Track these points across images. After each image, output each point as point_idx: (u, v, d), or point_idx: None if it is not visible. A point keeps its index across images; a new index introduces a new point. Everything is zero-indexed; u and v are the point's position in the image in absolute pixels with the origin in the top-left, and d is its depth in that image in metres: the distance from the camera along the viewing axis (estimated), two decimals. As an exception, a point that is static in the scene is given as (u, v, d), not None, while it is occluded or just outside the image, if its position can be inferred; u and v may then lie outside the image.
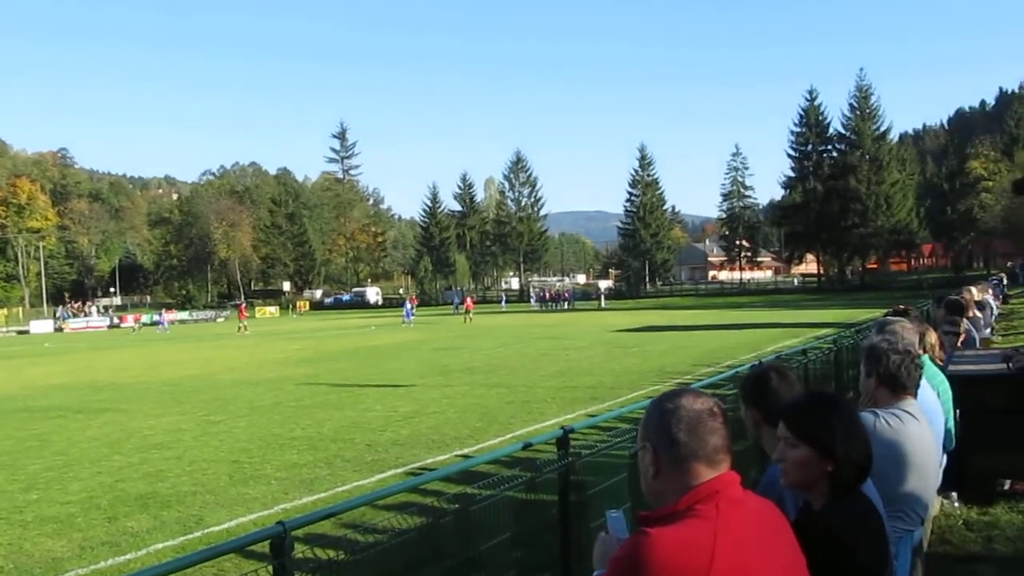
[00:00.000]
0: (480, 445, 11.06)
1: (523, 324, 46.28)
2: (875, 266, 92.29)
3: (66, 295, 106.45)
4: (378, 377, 20.50)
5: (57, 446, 12.64)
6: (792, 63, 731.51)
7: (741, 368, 9.28)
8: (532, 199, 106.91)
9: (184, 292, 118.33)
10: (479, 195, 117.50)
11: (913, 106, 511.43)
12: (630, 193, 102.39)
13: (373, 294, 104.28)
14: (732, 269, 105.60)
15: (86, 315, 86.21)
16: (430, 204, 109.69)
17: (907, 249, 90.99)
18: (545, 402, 14.81)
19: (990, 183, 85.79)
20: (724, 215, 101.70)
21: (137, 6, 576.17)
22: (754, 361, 7.36)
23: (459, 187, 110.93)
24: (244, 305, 68.74)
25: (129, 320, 78.87)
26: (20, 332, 72.29)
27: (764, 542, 1.89)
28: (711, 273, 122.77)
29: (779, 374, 3.07)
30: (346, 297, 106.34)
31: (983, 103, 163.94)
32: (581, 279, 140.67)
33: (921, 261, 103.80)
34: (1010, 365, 6.82)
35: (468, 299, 62.70)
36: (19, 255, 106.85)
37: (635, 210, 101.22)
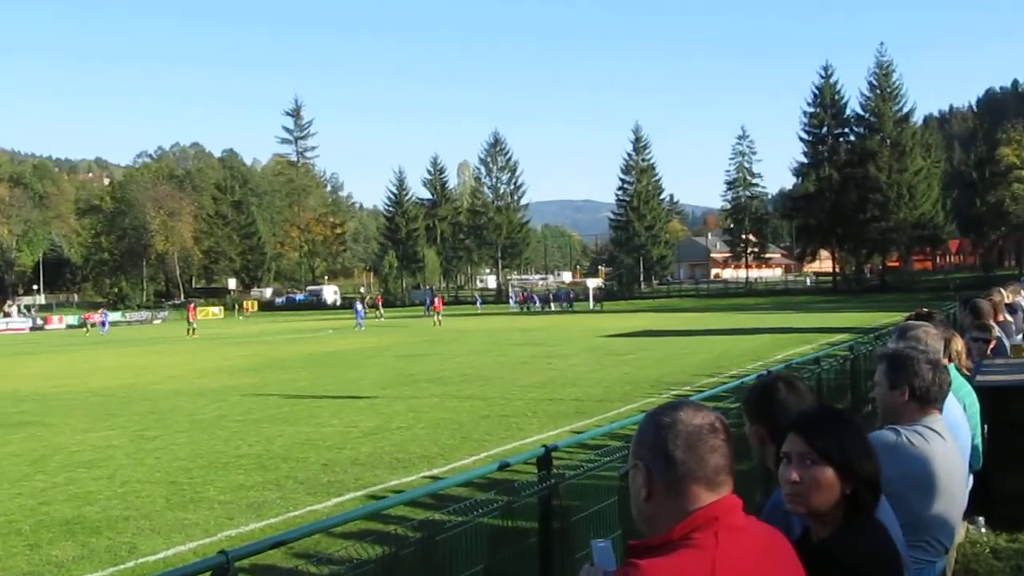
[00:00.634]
0: (451, 465, 11.10)
1: (501, 328, 46.40)
2: (896, 264, 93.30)
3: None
4: (336, 388, 20.46)
5: (-32, 465, 12.51)
6: (805, 35, 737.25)
7: (746, 378, 9.33)
8: (512, 186, 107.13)
9: (116, 290, 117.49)
10: (451, 182, 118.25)
11: (939, 85, 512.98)
12: (623, 180, 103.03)
13: (331, 293, 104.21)
14: (737, 267, 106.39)
15: (5, 315, 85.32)
16: (396, 192, 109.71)
17: (932, 245, 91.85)
18: (525, 416, 14.85)
19: (1023, 172, 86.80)
20: (728, 206, 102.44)
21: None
22: (761, 370, 7.39)
23: (429, 172, 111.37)
24: (193, 305, 68.53)
25: (54, 321, 79.12)
26: (-74, 335, 71.37)
27: (768, 575, 1.88)
28: (713, 271, 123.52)
29: (788, 385, 3.07)
30: (300, 297, 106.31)
31: (1015, 83, 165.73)
32: (567, 277, 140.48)
33: (947, 259, 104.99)
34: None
35: (437, 299, 62.79)
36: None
37: (628, 199, 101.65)
